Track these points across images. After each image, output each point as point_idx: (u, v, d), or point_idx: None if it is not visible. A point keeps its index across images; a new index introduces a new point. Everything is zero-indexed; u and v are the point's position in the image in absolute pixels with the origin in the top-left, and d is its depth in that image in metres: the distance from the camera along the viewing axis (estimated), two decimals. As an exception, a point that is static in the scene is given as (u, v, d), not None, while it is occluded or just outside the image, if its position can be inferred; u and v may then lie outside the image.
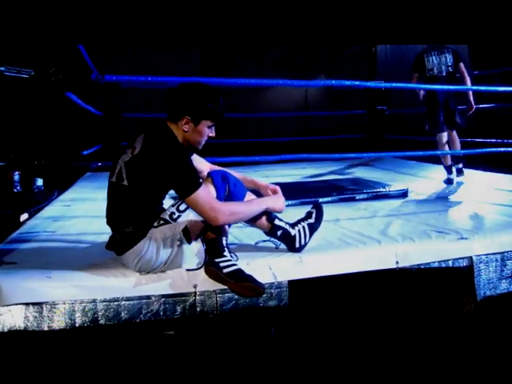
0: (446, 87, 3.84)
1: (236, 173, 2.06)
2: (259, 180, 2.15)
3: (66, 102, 3.64)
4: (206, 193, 1.80)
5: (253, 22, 2.31)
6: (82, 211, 3.12)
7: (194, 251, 1.89)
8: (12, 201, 3.73)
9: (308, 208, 2.20)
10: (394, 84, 4.11)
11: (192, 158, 1.98)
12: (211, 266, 1.86)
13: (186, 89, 1.87)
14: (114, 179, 1.84)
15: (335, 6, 2.37)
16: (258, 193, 2.12)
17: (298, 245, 2.06)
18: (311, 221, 2.13)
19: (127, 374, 1.98)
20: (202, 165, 2.06)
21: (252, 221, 2.04)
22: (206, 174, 1.98)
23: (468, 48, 6.89)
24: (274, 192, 2.08)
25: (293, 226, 2.10)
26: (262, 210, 1.99)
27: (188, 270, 1.88)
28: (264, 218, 2.06)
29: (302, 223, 2.11)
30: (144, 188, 1.79)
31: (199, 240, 1.92)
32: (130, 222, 1.81)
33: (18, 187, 4.10)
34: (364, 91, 6.33)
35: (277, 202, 2.02)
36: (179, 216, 1.83)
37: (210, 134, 1.90)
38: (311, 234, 2.10)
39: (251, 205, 1.95)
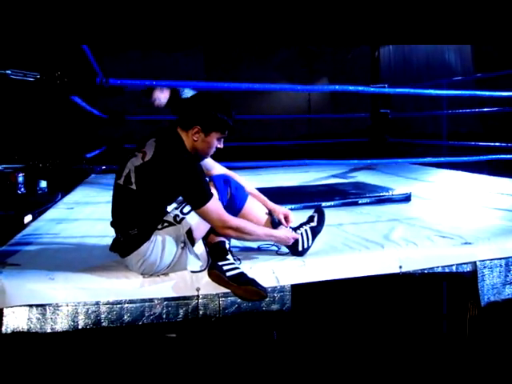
0: (450, 93, 3.84)
1: (252, 190, 2.08)
2: (271, 202, 2.12)
3: (71, 104, 3.65)
4: (217, 204, 1.82)
5: (256, 22, 2.31)
6: (85, 214, 3.13)
7: (198, 254, 1.89)
8: (16, 202, 3.74)
9: (311, 212, 2.20)
10: (398, 90, 4.09)
11: (206, 160, 2.01)
12: (214, 269, 1.86)
13: (201, 98, 1.89)
14: (122, 182, 1.84)
15: (338, 6, 2.37)
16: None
17: (300, 248, 2.06)
18: (313, 224, 2.13)
19: (129, 377, 1.98)
20: (213, 167, 2.06)
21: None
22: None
23: (471, 49, 6.87)
24: (286, 217, 2.08)
25: (295, 229, 2.10)
26: (266, 240, 2.02)
27: (192, 271, 1.88)
28: (267, 222, 2.06)
29: (305, 227, 2.11)
30: (152, 194, 1.81)
31: (203, 243, 1.92)
32: (134, 225, 1.81)
33: (22, 189, 4.11)
34: (367, 94, 6.33)
35: (285, 239, 2.00)
36: (183, 218, 1.84)
37: (219, 146, 1.92)
38: (314, 238, 2.10)
39: (260, 230, 1.94)
